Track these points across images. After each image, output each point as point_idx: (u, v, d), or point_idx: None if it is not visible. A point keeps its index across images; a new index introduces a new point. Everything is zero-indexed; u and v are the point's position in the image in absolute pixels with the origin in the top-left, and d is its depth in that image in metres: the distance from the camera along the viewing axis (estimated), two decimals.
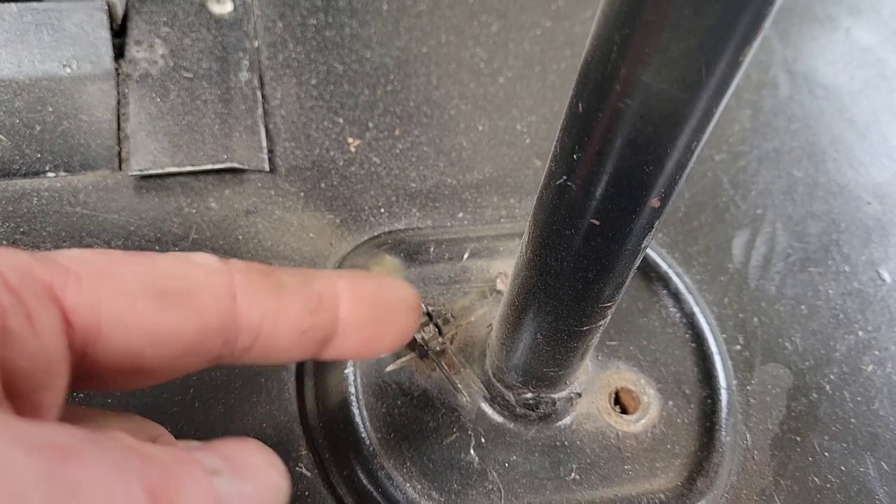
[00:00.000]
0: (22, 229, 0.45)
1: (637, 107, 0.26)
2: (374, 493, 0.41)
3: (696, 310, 0.49)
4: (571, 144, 0.30)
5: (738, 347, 0.49)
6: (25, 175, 0.47)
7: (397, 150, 0.52)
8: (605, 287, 0.35)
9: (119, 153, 0.48)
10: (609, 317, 0.38)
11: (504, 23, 0.59)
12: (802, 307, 0.51)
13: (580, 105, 0.28)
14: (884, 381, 0.49)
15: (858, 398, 0.49)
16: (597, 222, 0.31)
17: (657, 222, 0.32)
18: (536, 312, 0.38)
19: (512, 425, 0.44)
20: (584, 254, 0.33)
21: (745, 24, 0.24)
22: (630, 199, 0.30)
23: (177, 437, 0.40)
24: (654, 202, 0.30)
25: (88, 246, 0.45)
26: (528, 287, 0.37)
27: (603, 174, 0.29)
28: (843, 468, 0.46)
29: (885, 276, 0.53)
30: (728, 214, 0.54)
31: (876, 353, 0.50)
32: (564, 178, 0.31)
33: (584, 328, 0.38)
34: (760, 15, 0.24)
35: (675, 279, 0.50)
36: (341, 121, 0.53)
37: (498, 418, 0.44)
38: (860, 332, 0.51)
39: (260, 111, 0.51)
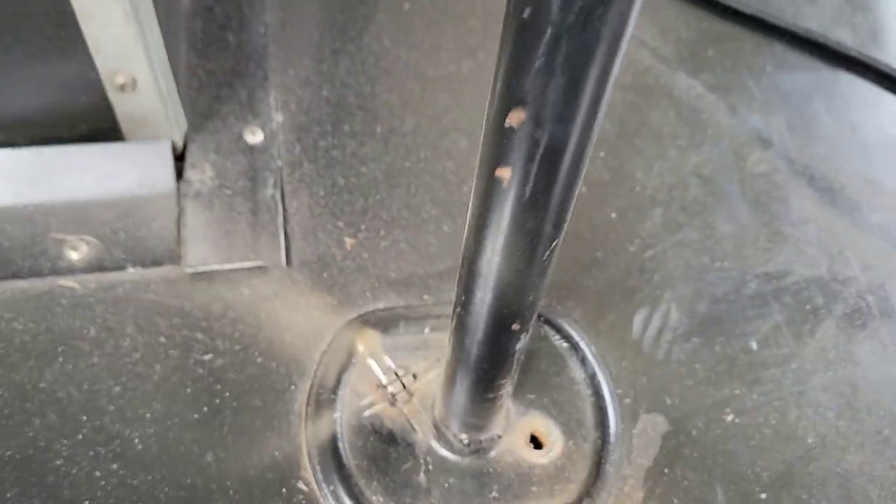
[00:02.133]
0: (111, 311, 0.64)
1: (490, 276, 0.44)
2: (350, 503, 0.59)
3: (598, 371, 0.66)
4: (460, 290, 0.47)
5: (628, 400, 0.66)
6: (113, 270, 0.66)
7: (381, 247, 0.70)
8: (497, 372, 0.52)
9: (179, 253, 0.67)
10: (508, 388, 0.56)
11: (470, 140, 0.77)
12: (683, 369, 0.68)
13: (462, 270, 0.46)
14: (740, 428, 0.66)
15: (717, 441, 0.65)
16: (480, 336, 0.49)
17: (524, 335, 0.49)
18: (457, 386, 0.55)
19: (452, 457, 0.62)
20: (478, 352, 0.50)
21: (546, 235, 0.41)
22: (499, 325, 0.47)
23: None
24: (515, 327, 0.48)
25: (156, 323, 0.64)
26: (451, 370, 0.55)
27: (479, 310, 0.47)
28: (697, 493, 0.63)
29: (754, 346, 0.70)
30: (634, 296, 0.71)
31: (736, 406, 0.67)
32: (459, 308, 0.48)
33: (490, 395, 0.55)
34: (555, 233, 0.41)
35: (584, 347, 0.67)
36: (341, 224, 0.71)
37: (443, 451, 0.62)
38: (726, 390, 0.67)
39: (280, 219, 0.69)
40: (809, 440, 0.66)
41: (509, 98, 0.34)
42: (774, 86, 0.86)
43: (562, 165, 0.37)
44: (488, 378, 0.53)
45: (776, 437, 0.66)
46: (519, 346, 0.50)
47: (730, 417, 0.66)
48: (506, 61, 0.33)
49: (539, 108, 0.34)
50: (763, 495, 0.63)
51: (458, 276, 0.48)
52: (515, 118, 0.35)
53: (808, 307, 0.72)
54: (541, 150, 0.36)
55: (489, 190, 0.39)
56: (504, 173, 0.38)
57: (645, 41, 0.89)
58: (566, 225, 0.41)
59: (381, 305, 0.68)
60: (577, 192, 0.39)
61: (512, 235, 0.41)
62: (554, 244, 0.42)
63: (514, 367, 0.53)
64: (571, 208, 0.40)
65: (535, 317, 0.49)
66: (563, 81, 0.32)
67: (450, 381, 0.56)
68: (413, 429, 0.63)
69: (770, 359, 0.69)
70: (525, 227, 0.40)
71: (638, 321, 0.70)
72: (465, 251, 0.45)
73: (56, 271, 0.65)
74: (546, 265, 0.43)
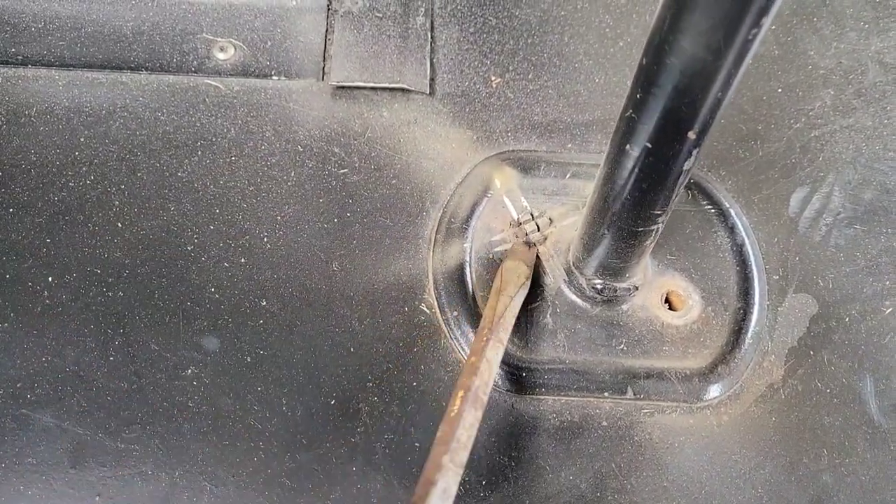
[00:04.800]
0: (252, 114, 0.63)
1: (678, 63, 0.40)
2: (473, 332, 0.57)
3: (746, 241, 0.61)
4: (637, 87, 0.43)
5: (777, 277, 0.61)
6: (257, 76, 0.65)
7: (528, 90, 0.67)
8: (656, 197, 0.48)
9: (323, 68, 0.65)
10: (660, 224, 0.52)
11: None
12: (841, 255, 0.62)
13: (644, 60, 0.42)
14: None
15: (872, 332, 0.60)
16: (650, 145, 0.45)
17: (695, 151, 0.45)
18: (605, 215, 0.52)
19: (581, 303, 0.59)
20: (641, 168, 0.47)
21: (752, 12, 0.36)
22: (673, 129, 0.43)
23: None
24: (691, 135, 0.43)
25: (296, 132, 0.63)
26: (602, 194, 0.51)
27: (655, 109, 0.43)
28: (844, 381, 0.58)
29: None
30: (794, 174, 0.65)
31: None
32: (631, 111, 0.45)
33: (640, 229, 0.51)
34: (764, 8, 0.36)
35: (734, 216, 0.62)
36: (488, 62, 0.67)
37: (572, 297, 0.59)
38: (888, 282, 0.61)
39: (428, 48, 0.66)
40: None
41: None
42: None
43: None
44: (644, 203, 0.49)
45: None
46: (688, 165, 0.46)
47: (889, 310, 0.60)
48: None
49: None
50: None
51: (635, 73, 0.44)
52: None
53: None
54: None
55: None
56: None
57: None
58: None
59: (521, 146, 0.65)
60: None
61: (713, 6, 0.37)
62: (762, 21, 0.37)
63: (674, 194, 0.49)
64: None
65: (709, 131, 0.44)
66: None
67: (596, 211, 0.52)
68: (543, 270, 0.60)
69: None
70: None
71: (796, 199, 0.64)
72: (651, 35, 0.41)
73: (203, 70, 0.64)
74: (746, 48, 0.39)
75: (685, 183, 0.48)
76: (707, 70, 0.40)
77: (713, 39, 0.38)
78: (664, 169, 0.46)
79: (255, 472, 0.52)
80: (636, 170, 0.47)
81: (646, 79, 0.42)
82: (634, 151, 0.46)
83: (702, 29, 0.38)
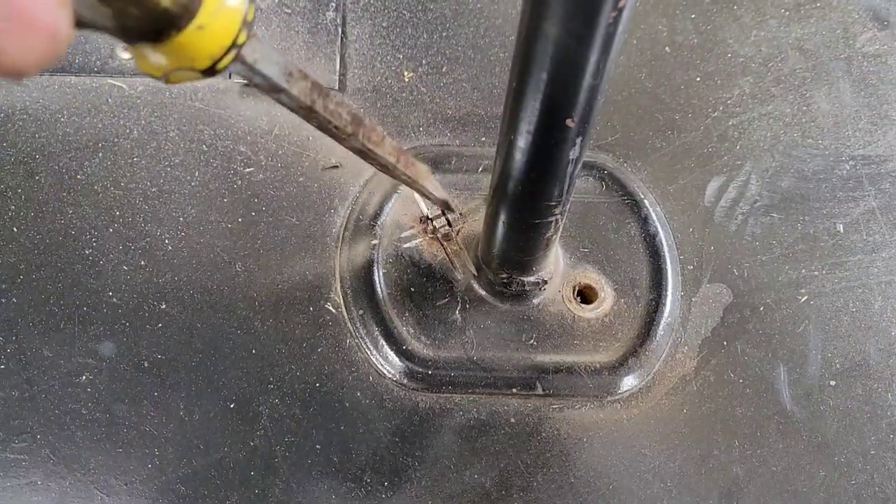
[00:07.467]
0: (156, 114, 0.62)
1: (545, 50, 0.39)
2: (379, 331, 0.56)
3: (660, 231, 0.61)
4: (513, 76, 0.42)
5: (691, 267, 0.60)
6: None
7: (442, 84, 0.66)
8: (548, 188, 0.47)
9: None
10: (558, 216, 0.51)
11: None
12: (756, 244, 0.61)
13: (516, 48, 0.41)
14: (814, 310, 0.59)
15: (787, 320, 0.59)
16: (531, 135, 0.44)
17: (579, 140, 0.44)
18: (503, 208, 0.50)
19: (491, 299, 0.58)
20: (528, 159, 0.46)
21: None
22: (551, 118, 0.42)
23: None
24: (570, 123, 0.43)
25: (201, 131, 0.61)
26: (497, 188, 0.50)
27: (532, 98, 0.42)
28: (757, 370, 0.57)
29: (840, 228, 0.62)
30: (711, 163, 0.64)
31: (814, 287, 0.60)
32: (511, 100, 0.44)
33: (536, 221, 0.50)
34: None
35: (647, 206, 0.61)
36: (401, 57, 0.66)
37: (481, 292, 0.58)
38: (803, 270, 0.61)
39: (338, 43, 0.65)
40: (894, 333, 0.59)
41: None
42: None
43: None
44: (536, 194, 0.48)
45: (855, 325, 0.59)
46: (573, 154, 0.45)
47: (804, 298, 0.60)
48: None
49: None
50: (832, 382, 0.57)
51: (511, 62, 0.43)
52: None
53: None
54: None
55: None
56: None
57: None
58: None
59: (433, 141, 0.64)
60: None
61: None
62: (622, 5, 0.36)
63: (566, 185, 0.48)
64: None
65: (592, 120, 0.43)
66: None
67: (494, 205, 0.51)
68: (453, 266, 0.59)
69: (858, 244, 0.62)
70: None
71: (712, 189, 0.63)
72: (520, 23, 0.40)
73: (105, 70, 0.63)
74: (610, 34, 0.38)
75: (576, 172, 0.47)
76: (574, 57, 0.39)
77: (573, 25, 0.37)
78: (549, 159, 0.45)
79: (149, 479, 0.51)
80: (524, 161, 0.46)
81: (519, 67, 0.41)
82: (520, 142, 0.45)
83: (561, 14, 0.37)
